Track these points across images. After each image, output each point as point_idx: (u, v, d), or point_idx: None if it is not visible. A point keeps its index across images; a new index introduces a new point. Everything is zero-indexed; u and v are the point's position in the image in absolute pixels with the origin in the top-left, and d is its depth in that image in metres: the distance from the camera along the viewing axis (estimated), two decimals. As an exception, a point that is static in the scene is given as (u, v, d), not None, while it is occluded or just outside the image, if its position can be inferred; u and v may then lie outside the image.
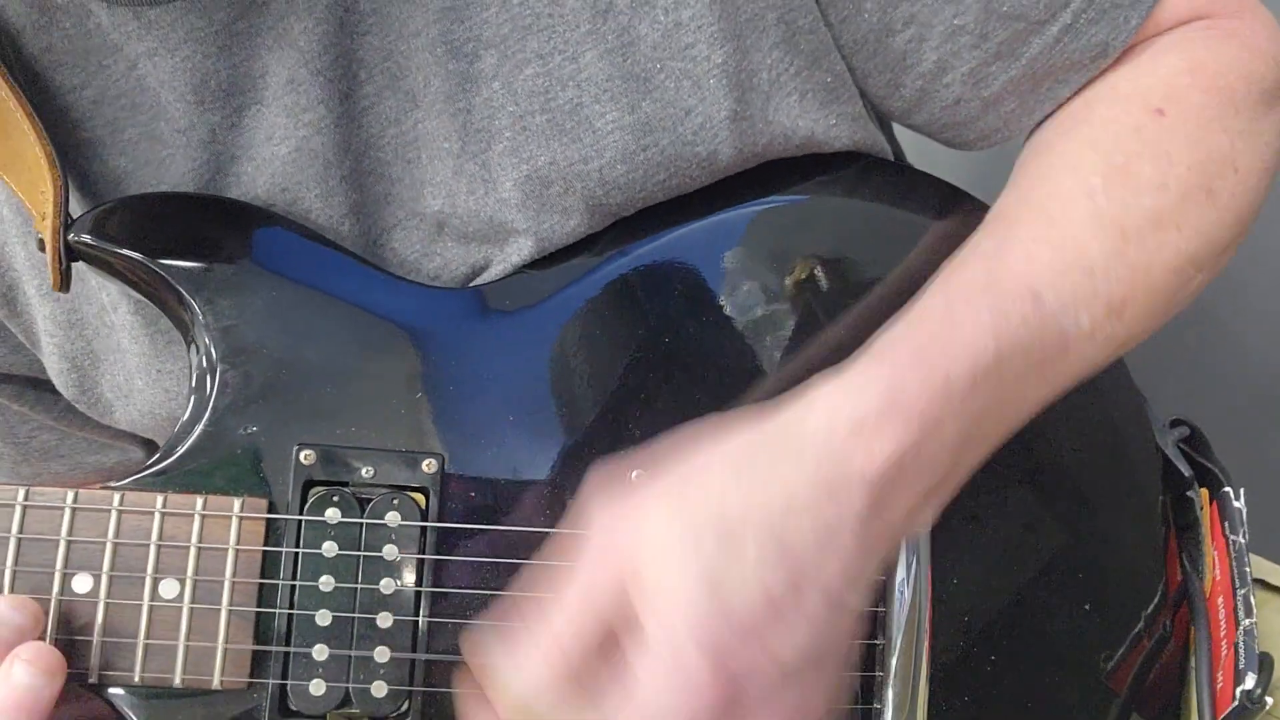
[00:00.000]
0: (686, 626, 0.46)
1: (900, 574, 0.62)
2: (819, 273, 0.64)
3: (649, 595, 0.46)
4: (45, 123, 0.58)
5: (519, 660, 0.48)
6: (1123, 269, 0.57)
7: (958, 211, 0.66)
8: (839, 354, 0.53)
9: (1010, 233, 0.58)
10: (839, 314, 0.64)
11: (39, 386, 0.70)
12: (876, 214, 0.67)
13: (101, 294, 0.63)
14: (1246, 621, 0.66)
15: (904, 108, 0.66)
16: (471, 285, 0.63)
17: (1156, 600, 0.68)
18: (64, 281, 0.57)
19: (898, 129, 0.77)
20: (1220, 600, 0.67)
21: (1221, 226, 0.60)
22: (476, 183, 0.60)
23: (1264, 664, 0.64)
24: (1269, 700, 0.63)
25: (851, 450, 0.48)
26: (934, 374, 0.50)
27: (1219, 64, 0.62)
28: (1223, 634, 0.67)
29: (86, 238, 0.57)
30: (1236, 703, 0.64)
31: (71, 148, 0.59)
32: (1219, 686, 0.65)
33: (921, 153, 0.76)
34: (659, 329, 0.62)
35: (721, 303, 0.63)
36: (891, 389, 0.50)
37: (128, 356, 0.64)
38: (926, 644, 0.62)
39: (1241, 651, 0.65)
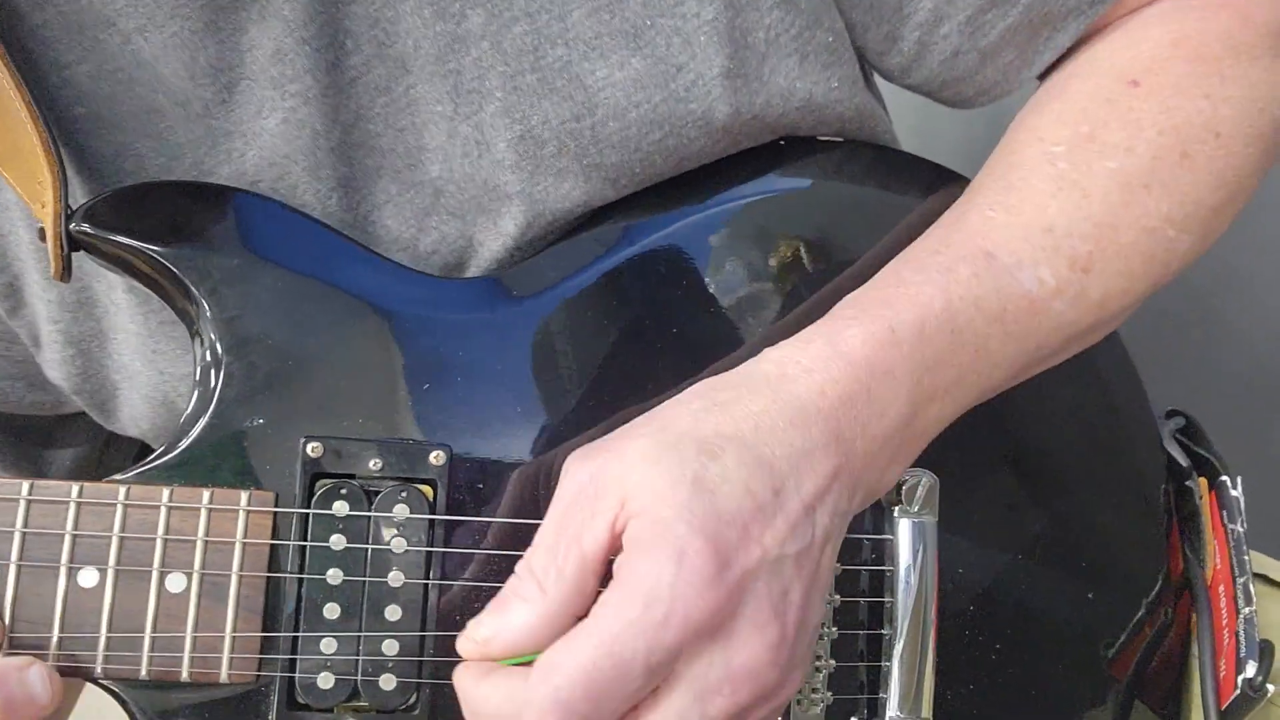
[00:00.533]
0: (679, 515, 0.46)
1: (906, 563, 0.62)
2: (827, 260, 0.64)
3: (636, 503, 0.47)
4: (41, 100, 0.57)
5: (502, 611, 0.49)
6: (1086, 226, 0.57)
7: (950, 194, 0.66)
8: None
9: (969, 202, 0.60)
10: (821, 297, 0.64)
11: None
12: (882, 201, 0.67)
13: (108, 272, 0.62)
14: (1247, 609, 0.66)
15: (903, 63, 0.66)
16: (477, 275, 0.62)
17: (1158, 588, 0.68)
18: (66, 270, 0.56)
19: (894, 113, 0.77)
20: (1221, 589, 0.68)
21: (1202, 188, 0.60)
22: (471, 145, 0.60)
23: (1265, 651, 0.65)
24: (1270, 688, 0.64)
25: (803, 389, 0.51)
26: (877, 325, 0.53)
27: (1206, 35, 0.62)
28: (1224, 622, 0.67)
29: (88, 227, 0.56)
30: (1239, 690, 0.64)
31: (69, 123, 0.58)
32: (1222, 675, 0.66)
33: (919, 136, 0.76)
34: (666, 318, 0.62)
35: (728, 290, 0.63)
36: (834, 341, 0.52)
37: (129, 336, 0.63)
38: (933, 633, 0.62)
39: (1243, 639, 0.66)
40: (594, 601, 0.48)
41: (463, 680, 0.50)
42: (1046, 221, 0.57)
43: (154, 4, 0.56)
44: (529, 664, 0.48)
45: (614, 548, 0.48)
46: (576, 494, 0.49)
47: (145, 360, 0.63)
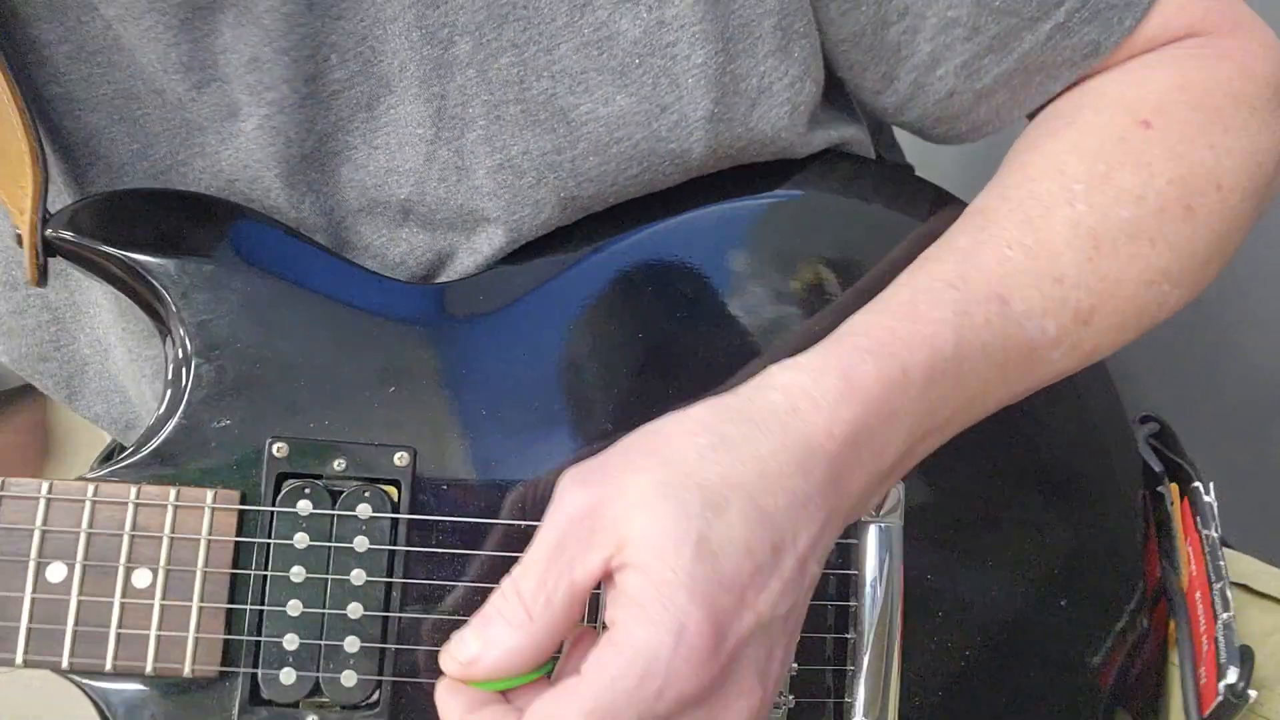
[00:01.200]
0: (680, 582, 0.46)
1: (871, 569, 0.62)
2: (801, 270, 0.65)
3: (636, 553, 0.46)
4: (19, 76, 0.58)
5: (487, 632, 0.48)
6: (1093, 279, 0.58)
7: (945, 213, 0.66)
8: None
9: (987, 231, 0.59)
10: (819, 313, 0.65)
11: None
12: (864, 213, 0.68)
13: None
14: (1225, 615, 0.65)
15: (898, 102, 0.67)
16: (445, 281, 0.64)
17: (1135, 596, 0.67)
18: (42, 276, 0.58)
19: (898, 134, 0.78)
20: (1198, 595, 0.67)
21: (1199, 242, 0.60)
22: (449, 170, 0.61)
23: (1245, 656, 0.63)
24: (1253, 694, 0.63)
25: (811, 428, 0.50)
26: (891, 364, 0.52)
27: (1209, 82, 0.62)
28: (1202, 629, 0.66)
29: (64, 233, 0.58)
30: (1221, 697, 0.63)
31: (42, 102, 0.60)
32: (1203, 682, 0.65)
33: (922, 153, 0.77)
34: (633, 325, 0.63)
35: (696, 299, 0.64)
36: (848, 376, 0.51)
37: (102, 311, 0.65)
38: (898, 639, 0.61)
39: (1222, 645, 0.65)
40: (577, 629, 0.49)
41: (451, 710, 0.49)
42: (1059, 271, 0.57)
43: None
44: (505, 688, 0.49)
45: (604, 581, 0.48)
46: (571, 523, 0.48)
47: (117, 336, 0.64)
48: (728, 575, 0.47)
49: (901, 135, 0.82)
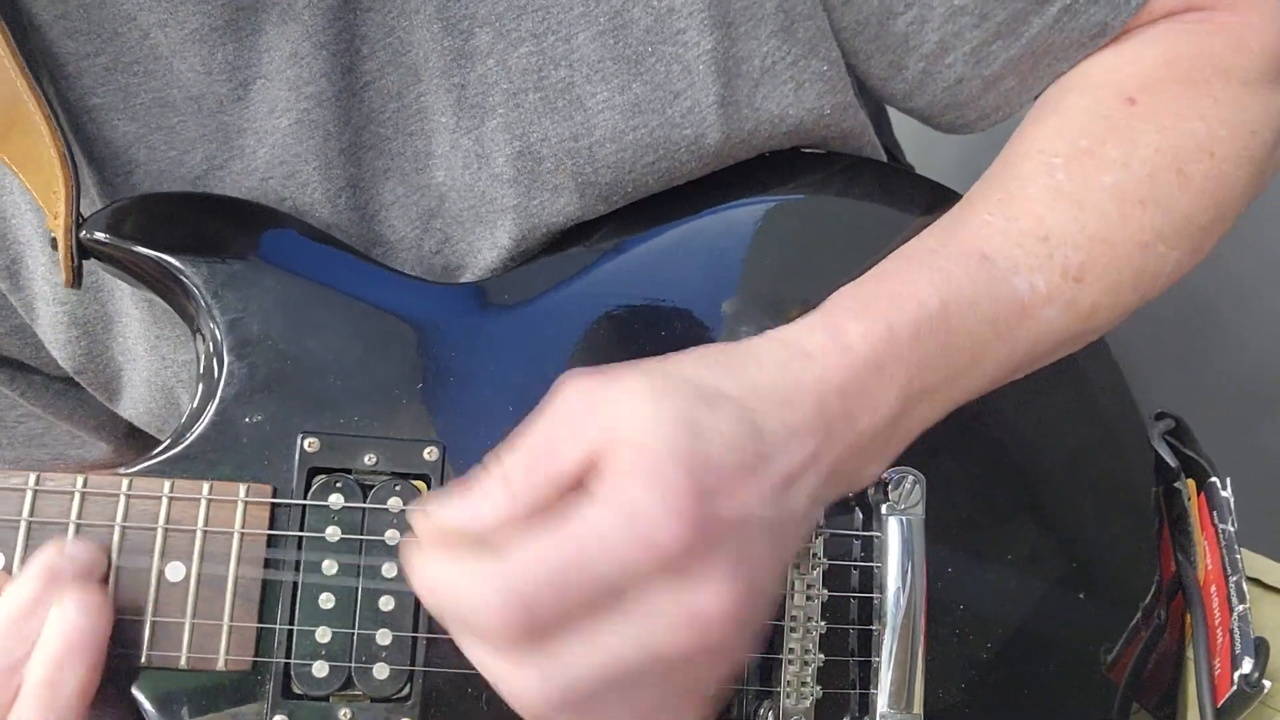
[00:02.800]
0: (669, 451, 0.45)
1: (894, 560, 0.62)
2: (820, 271, 0.66)
3: (625, 432, 0.46)
4: (56, 89, 0.59)
5: (467, 500, 0.47)
6: (1081, 237, 0.58)
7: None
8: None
9: (968, 207, 0.60)
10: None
11: (29, 371, 0.71)
12: (878, 216, 0.68)
13: None
14: (1240, 607, 0.66)
15: (906, 90, 0.67)
16: (470, 280, 0.65)
17: (1151, 590, 0.68)
18: (76, 278, 0.59)
19: (897, 125, 0.79)
20: (1213, 589, 0.68)
21: (1195, 208, 0.61)
22: (471, 158, 0.62)
23: (1260, 648, 0.64)
24: (1267, 684, 0.64)
25: (803, 372, 0.51)
26: (876, 322, 0.53)
27: (1200, 57, 0.63)
28: (1217, 621, 0.67)
29: (99, 235, 0.59)
30: (1235, 687, 0.64)
31: (83, 112, 0.61)
32: (1217, 673, 0.66)
33: (921, 150, 0.78)
34: (654, 322, 0.64)
35: (716, 297, 0.65)
36: (835, 333, 0.52)
37: (133, 321, 0.65)
38: (922, 630, 0.62)
39: (1237, 637, 0.66)
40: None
41: (413, 551, 0.47)
42: (1043, 230, 0.58)
43: (178, 1, 0.58)
44: None
45: (588, 472, 0.46)
46: (566, 410, 0.47)
47: (148, 346, 0.65)
48: (714, 459, 0.46)
49: (902, 134, 0.84)
